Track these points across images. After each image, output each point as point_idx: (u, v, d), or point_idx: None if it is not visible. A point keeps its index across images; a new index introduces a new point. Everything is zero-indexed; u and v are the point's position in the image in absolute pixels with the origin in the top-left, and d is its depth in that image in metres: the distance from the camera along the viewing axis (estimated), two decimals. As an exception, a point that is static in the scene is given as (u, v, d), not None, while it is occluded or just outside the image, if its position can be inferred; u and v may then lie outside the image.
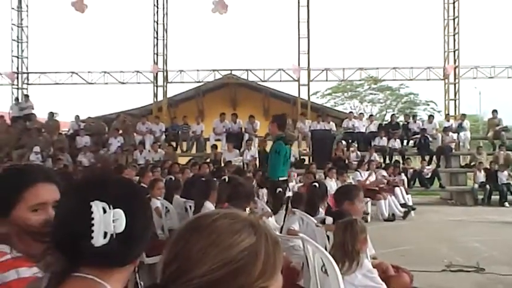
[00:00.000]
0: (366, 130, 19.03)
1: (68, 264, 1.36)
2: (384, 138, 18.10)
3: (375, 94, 39.50)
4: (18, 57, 23.39)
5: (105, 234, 1.34)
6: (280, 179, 7.49)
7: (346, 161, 16.86)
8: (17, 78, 23.33)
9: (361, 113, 22.96)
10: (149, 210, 1.53)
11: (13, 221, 1.87)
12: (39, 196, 1.90)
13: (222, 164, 15.28)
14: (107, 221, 1.34)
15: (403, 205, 13.65)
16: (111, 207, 1.36)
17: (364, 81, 31.82)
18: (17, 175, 1.95)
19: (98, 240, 1.33)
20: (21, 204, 1.88)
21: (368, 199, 12.26)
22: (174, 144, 19.02)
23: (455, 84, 21.52)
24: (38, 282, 1.45)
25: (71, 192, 1.46)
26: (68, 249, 1.36)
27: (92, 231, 1.33)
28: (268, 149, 9.02)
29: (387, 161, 17.27)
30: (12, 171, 2.00)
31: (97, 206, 1.35)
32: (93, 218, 1.34)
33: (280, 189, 7.16)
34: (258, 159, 16.98)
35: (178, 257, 1.14)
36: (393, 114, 22.56)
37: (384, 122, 21.79)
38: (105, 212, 1.35)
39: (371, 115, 22.24)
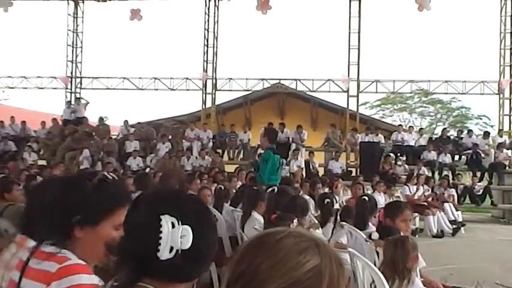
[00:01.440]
0: (415, 144, 18.70)
1: (133, 274, 1.39)
2: (433, 152, 17.74)
3: (425, 107, 38.78)
4: (72, 62, 23.95)
5: (171, 248, 1.36)
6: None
7: (394, 175, 16.59)
8: (71, 82, 23.86)
9: (410, 126, 22.58)
10: (216, 231, 1.55)
11: (97, 232, 1.95)
12: (124, 217, 1.96)
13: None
14: (175, 236, 1.36)
15: (453, 222, 13.31)
16: (180, 223, 1.38)
17: (414, 94, 31.30)
18: (114, 193, 2.03)
19: (164, 253, 1.36)
20: (110, 220, 1.95)
21: (416, 214, 12.01)
22: (220, 151, 19.10)
23: (510, 99, 20.96)
24: None
25: (142, 204, 1.47)
26: (135, 260, 1.39)
27: (159, 244, 1.36)
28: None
29: (436, 176, 16.93)
30: (110, 187, 2.06)
31: (166, 220, 1.37)
32: (161, 232, 1.36)
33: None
34: (305, 169, 16.88)
35: (244, 276, 1.11)
36: (444, 128, 22.13)
37: (434, 136, 21.38)
38: (173, 226, 1.37)
39: (421, 128, 21.85)
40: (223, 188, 7.68)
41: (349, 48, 21.22)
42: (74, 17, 23.97)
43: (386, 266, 3.79)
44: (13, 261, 2.52)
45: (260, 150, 17.71)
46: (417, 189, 13.88)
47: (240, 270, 1.12)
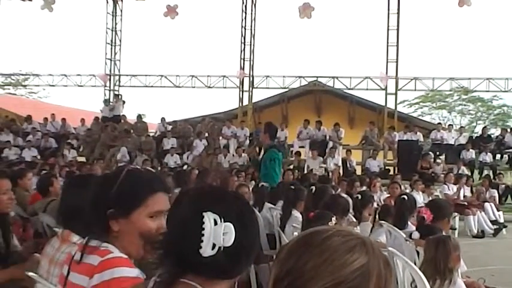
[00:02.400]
0: (454, 142, 18.39)
1: (176, 270, 1.40)
2: (473, 151, 17.42)
3: (465, 105, 38.13)
4: (111, 60, 24.24)
5: (214, 245, 1.36)
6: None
7: (433, 174, 16.34)
8: (110, 80, 24.15)
9: (450, 125, 22.20)
10: (258, 229, 1.54)
11: (131, 223, 1.95)
12: (158, 205, 1.98)
13: (305, 171, 15.22)
14: (217, 233, 1.36)
15: (494, 222, 13.04)
16: (223, 220, 1.38)
17: (454, 92, 30.80)
18: (144, 181, 2.02)
19: (206, 250, 1.36)
20: (142, 208, 1.95)
21: (456, 214, 11.81)
22: (257, 149, 19.12)
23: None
24: (142, 285, 1.48)
25: (185, 201, 1.47)
26: (177, 256, 1.40)
27: (201, 241, 1.36)
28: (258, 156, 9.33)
29: (476, 175, 16.61)
30: (139, 176, 2.06)
31: (209, 217, 1.37)
32: (203, 229, 1.36)
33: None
34: (342, 167, 16.78)
35: (290, 274, 1.10)
36: (485, 126, 21.66)
37: (474, 135, 20.98)
38: (216, 224, 1.37)
39: (461, 127, 21.46)
40: (263, 185, 7.66)
41: (387, 45, 20.95)
42: (112, 15, 24.25)
43: (428, 266, 3.74)
44: (57, 255, 2.57)
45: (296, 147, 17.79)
46: (458, 189, 13.63)
47: (287, 268, 1.11)
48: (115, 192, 1.94)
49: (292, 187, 6.44)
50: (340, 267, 1.07)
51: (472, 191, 14.24)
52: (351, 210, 8.02)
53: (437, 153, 18.06)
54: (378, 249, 1.15)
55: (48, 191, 5.98)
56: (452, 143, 18.33)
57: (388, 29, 20.95)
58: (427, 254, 3.83)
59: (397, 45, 20.84)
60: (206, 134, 19.21)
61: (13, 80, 28.03)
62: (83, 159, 18.24)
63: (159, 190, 1.99)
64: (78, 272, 1.90)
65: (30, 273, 2.83)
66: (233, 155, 17.81)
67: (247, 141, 19.16)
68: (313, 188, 4.98)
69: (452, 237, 3.92)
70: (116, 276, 1.80)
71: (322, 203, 4.80)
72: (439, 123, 23.60)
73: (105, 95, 23.96)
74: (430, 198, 11.91)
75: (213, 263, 1.37)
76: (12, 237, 3.81)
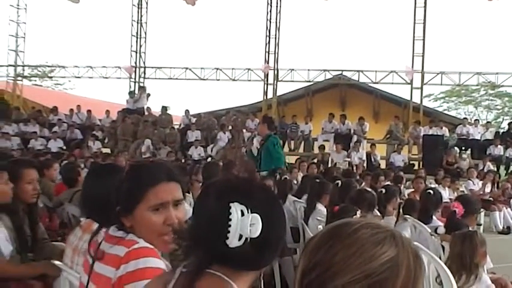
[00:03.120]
0: (481, 137, 18.17)
1: (203, 261, 1.40)
2: (500, 146, 17.18)
3: (491, 100, 37.60)
4: (136, 52, 24.38)
5: (240, 236, 1.36)
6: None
7: (459, 169, 16.16)
8: (135, 72, 24.30)
9: (476, 120, 21.94)
10: (284, 221, 1.53)
11: (136, 219, 1.93)
12: (160, 197, 1.94)
13: (329, 165, 15.17)
14: (244, 224, 1.37)
15: (520, 218, 12.86)
16: (250, 211, 1.38)
17: (481, 86, 30.38)
18: (141, 174, 2.00)
19: (233, 241, 1.36)
20: (143, 204, 1.93)
21: (482, 209, 11.66)
22: (281, 142, 19.08)
23: None
24: (168, 275, 1.49)
25: (212, 192, 1.47)
26: (204, 247, 1.41)
27: (228, 232, 1.36)
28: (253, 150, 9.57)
29: (502, 171, 16.39)
30: (137, 170, 2.06)
31: (236, 208, 1.37)
32: (230, 219, 1.36)
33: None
34: (366, 161, 16.69)
35: (319, 266, 1.10)
36: (511, 121, 21.35)
37: (501, 130, 20.68)
38: (243, 215, 1.37)
39: (488, 122, 21.17)
40: (287, 178, 7.65)
41: (413, 39, 20.74)
42: (138, 7, 24.37)
43: (453, 261, 3.71)
44: (80, 244, 2.60)
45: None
46: (484, 185, 13.46)
47: (315, 260, 1.11)
48: (120, 189, 1.96)
49: (317, 180, 6.42)
50: (369, 260, 1.07)
51: (498, 187, 14.04)
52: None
53: (463, 148, 17.86)
54: (407, 242, 1.14)
55: (75, 181, 6.04)
56: (478, 138, 18.12)
57: (414, 23, 20.75)
58: (453, 249, 3.80)
59: (424, 39, 20.63)
60: (230, 127, 19.23)
61: (39, 71, 28.32)
62: (107, 150, 18.38)
63: (160, 181, 1.96)
64: (104, 262, 1.90)
65: (56, 262, 2.86)
66: (257, 148, 17.77)
67: (272, 135, 19.09)
68: (339, 182, 4.96)
69: (478, 233, 3.88)
70: (141, 266, 1.79)
71: (349, 197, 4.78)
72: (465, 118, 23.33)
73: (130, 87, 24.14)
74: (455, 194, 11.81)
75: (239, 254, 1.37)
76: (39, 228, 3.85)
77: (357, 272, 1.06)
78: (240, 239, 1.36)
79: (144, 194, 1.92)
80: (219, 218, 1.37)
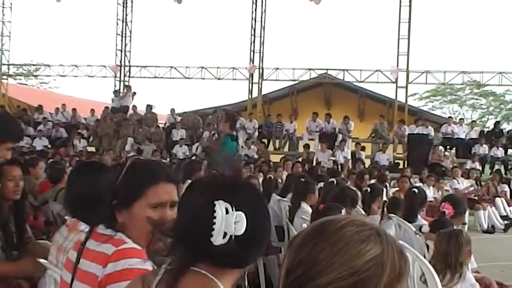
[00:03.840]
0: (465, 137, 18.29)
1: (187, 259, 1.40)
2: (485, 145, 17.30)
3: (476, 99, 37.88)
4: (121, 51, 24.26)
5: (225, 234, 1.35)
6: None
7: (444, 168, 16.24)
8: (120, 71, 24.20)
9: (461, 119, 22.10)
10: (269, 218, 1.53)
11: (133, 214, 1.94)
12: (160, 196, 1.96)
13: (314, 164, 15.19)
14: (229, 222, 1.36)
15: (505, 217, 12.94)
16: (235, 209, 1.37)
17: (466, 86, 30.60)
18: (143, 171, 2.01)
19: (217, 239, 1.35)
20: (142, 200, 1.94)
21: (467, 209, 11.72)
22: (266, 141, 19.08)
23: None
24: (151, 275, 1.48)
25: (197, 189, 1.47)
26: (188, 245, 1.40)
27: (213, 230, 1.35)
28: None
29: (487, 170, 16.51)
30: (139, 166, 2.05)
31: (220, 206, 1.36)
32: (215, 217, 1.35)
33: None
34: (351, 160, 16.73)
35: (303, 263, 1.09)
36: (497, 121, 21.51)
37: (486, 129, 20.82)
38: (227, 212, 1.36)
39: (473, 121, 21.32)
40: (271, 177, 7.65)
41: (398, 38, 20.84)
42: (123, 6, 24.27)
43: (438, 259, 3.71)
44: (65, 243, 2.56)
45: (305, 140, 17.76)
46: (471, 185, 13.53)
47: (300, 257, 1.11)
48: (118, 183, 1.96)
49: (302, 179, 6.42)
50: (354, 258, 1.07)
51: (482, 185, 14.13)
52: (359, 203, 8.03)
53: (448, 147, 17.97)
54: (392, 240, 1.13)
55: (60, 179, 5.99)
56: (463, 137, 18.24)
57: (399, 22, 20.84)
58: (438, 247, 3.79)
59: (409, 38, 20.73)
60: (215, 126, 19.20)
61: (24, 70, 28.17)
62: (92, 149, 18.33)
63: (161, 180, 1.97)
64: (90, 260, 1.90)
65: (41, 260, 2.83)
66: (242, 147, 17.78)
67: (256, 134, 19.13)
68: (335, 181, 4.99)
69: (464, 232, 3.90)
70: (128, 267, 1.80)
71: (331, 194, 4.79)
72: (450, 117, 23.49)
73: (115, 85, 24.04)
74: (440, 193, 11.88)
75: (224, 252, 1.36)
76: (26, 226, 3.81)
77: (342, 269, 1.06)
78: (224, 236, 1.35)
79: (144, 191, 1.94)
80: (204, 215, 1.37)
